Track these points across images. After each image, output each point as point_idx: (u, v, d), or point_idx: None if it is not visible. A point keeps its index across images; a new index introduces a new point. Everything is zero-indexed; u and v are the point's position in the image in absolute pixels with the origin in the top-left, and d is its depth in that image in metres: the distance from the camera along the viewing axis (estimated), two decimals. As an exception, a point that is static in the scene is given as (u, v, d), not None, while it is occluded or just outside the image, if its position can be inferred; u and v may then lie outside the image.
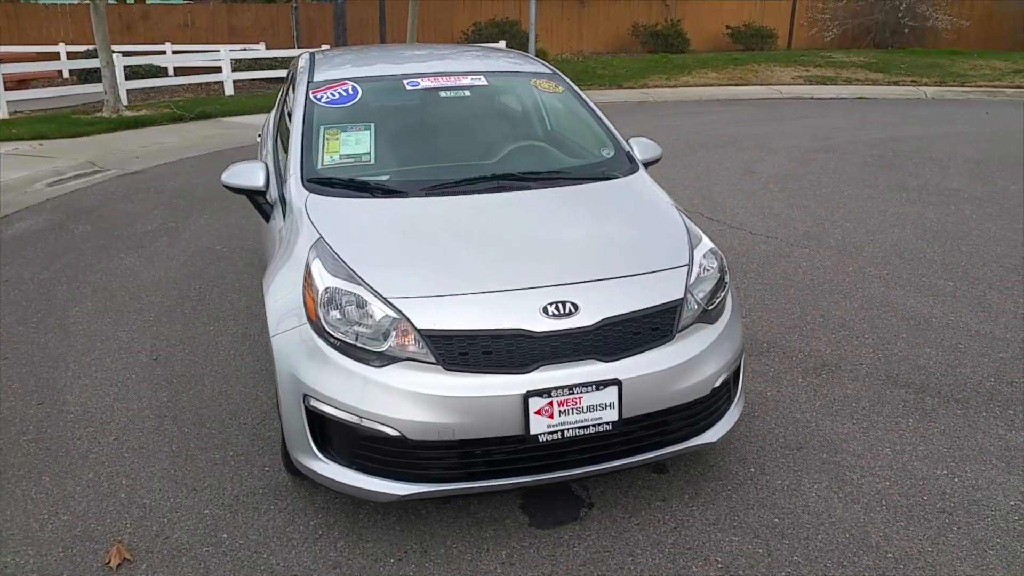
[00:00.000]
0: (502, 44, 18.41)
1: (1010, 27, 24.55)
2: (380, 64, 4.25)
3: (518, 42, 19.88)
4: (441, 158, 3.79)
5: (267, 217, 3.66)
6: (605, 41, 23.85)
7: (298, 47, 20.00)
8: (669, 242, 3.16)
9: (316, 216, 3.19)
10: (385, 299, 2.75)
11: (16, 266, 5.90)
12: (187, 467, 3.40)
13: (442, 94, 3.99)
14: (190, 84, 16.24)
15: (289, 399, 2.85)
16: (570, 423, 2.71)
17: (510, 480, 2.77)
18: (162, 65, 16.58)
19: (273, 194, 3.68)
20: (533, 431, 2.68)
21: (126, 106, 13.37)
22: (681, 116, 13.71)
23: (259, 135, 5.38)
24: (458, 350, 2.68)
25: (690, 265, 3.04)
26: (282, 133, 4.40)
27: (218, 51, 15.99)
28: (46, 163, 9.45)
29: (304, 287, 2.91)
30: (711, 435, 3.03)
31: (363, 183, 3.43)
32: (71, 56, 16.88)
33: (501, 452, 2.72)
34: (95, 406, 3.90)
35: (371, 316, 2.74)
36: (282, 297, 3.01)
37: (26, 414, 3.83)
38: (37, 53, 17.56)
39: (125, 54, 15.25)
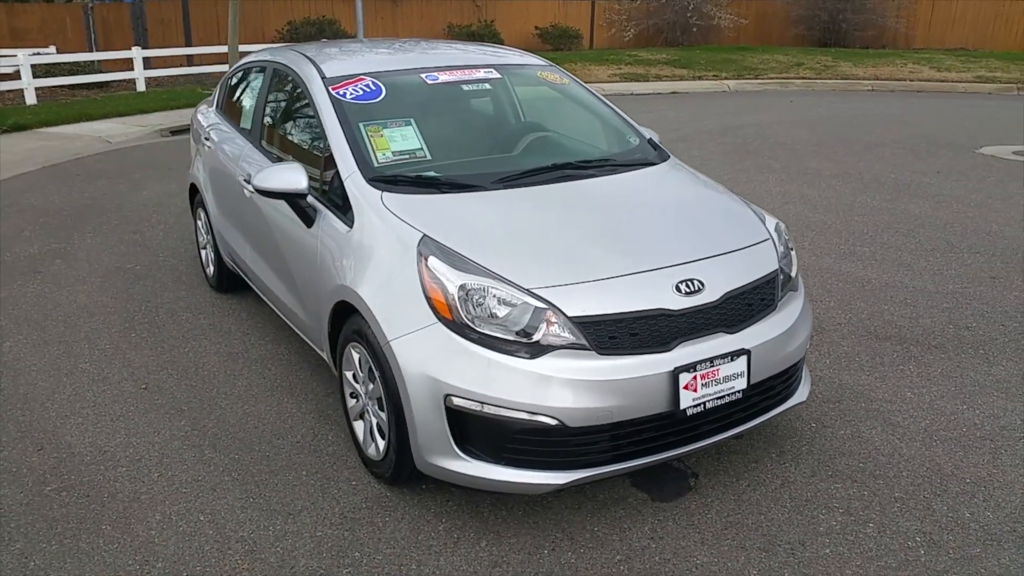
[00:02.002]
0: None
1: (780, 25, 27.19)
2: (382, 58, 4.11)
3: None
4: (488, 150, 3.75)
5: (310, 221, 3.45)
6: (419, 41, 23.85)
7: (95, 50, 18.38)
8: (745, 219, 3.35)
9: (405, 214, 3.08)
10: (527, 290, 2.73)
11: (-98, 303, 5.11)
12: (265, 492, 3.16)
13: (464, 87, 3.94)
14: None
15: (424, 401, 2.75)
16: (710, 394, 2.82)
17: (655, 457, 2.84)
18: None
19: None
20: (682, 405, 2.76)
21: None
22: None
23: (206, 139, 4.99)
24: (607, 334, 2.71)
25: (772, 238, 3.25)
26: (275, 133, 4.15)
27: (15, 55, 14.39)
28: None
29: (423, 286, 2.81)
30: (801, 394, 3.26)
31: (433, 179, 3.34)
32: None
33: (650, 430, 2.79)
34: (109, 444, 3.51)
35: (517, 308, 2.70)
36: (389, 299, 2.89)
37: (32, 463, 3.38)
38: None
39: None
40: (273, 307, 4.21)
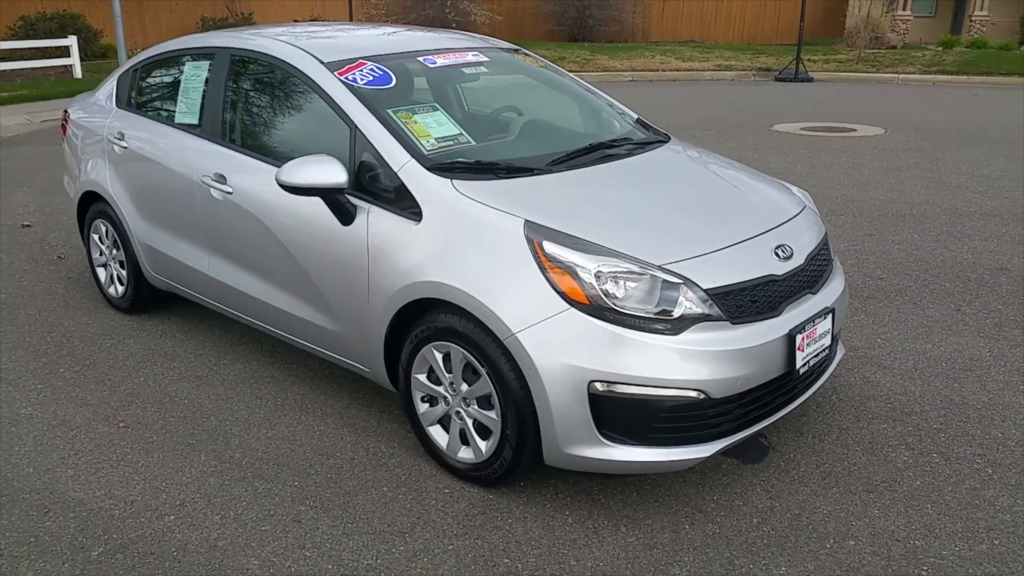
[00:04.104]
0: (72, 40, 16.12)
1: (531, 21, 28.38)
2: (365, 42, 3.82)
3: (85, 38, 17.53)
4: (518, 133, 3.62)
5: (350, 218, 3.16)
6: (172, 36, 21.93)
7: None
8: (781, 187, 3.54)
9: (489, 200, 2.92)
10: (659, 266, 2.71)
11: None
12: (359, 515, 2.88)
13: (465, 71, 3.78)
14: None
15: (563, 391, 2.65)
16: (811, 353, 2.98)
17: (771, 418, 2.95)
18: None
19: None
20: (797, 365, 2.90)
21: None
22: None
23: (117, 139, 4.35)
24: (735, 303, 2.77)
25: (806, 203, 3.47)
26: (250, 126, 3.73)
27: None
28: None
29: (544, 272, 2.70)
30: (842, 349, 3.52)
31: (492, 164, 3.19)
32: None
33: (769, 392, 2.89)
34: (131, 494, 3.01)
35: (653, 286, 2.68)
36: (500, 290, 2.75)
37: (52, 529, 2.83)
38: None
39: None
40: (257, 324, 3.78)
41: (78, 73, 16.06)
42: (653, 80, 19.15)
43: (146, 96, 4.36)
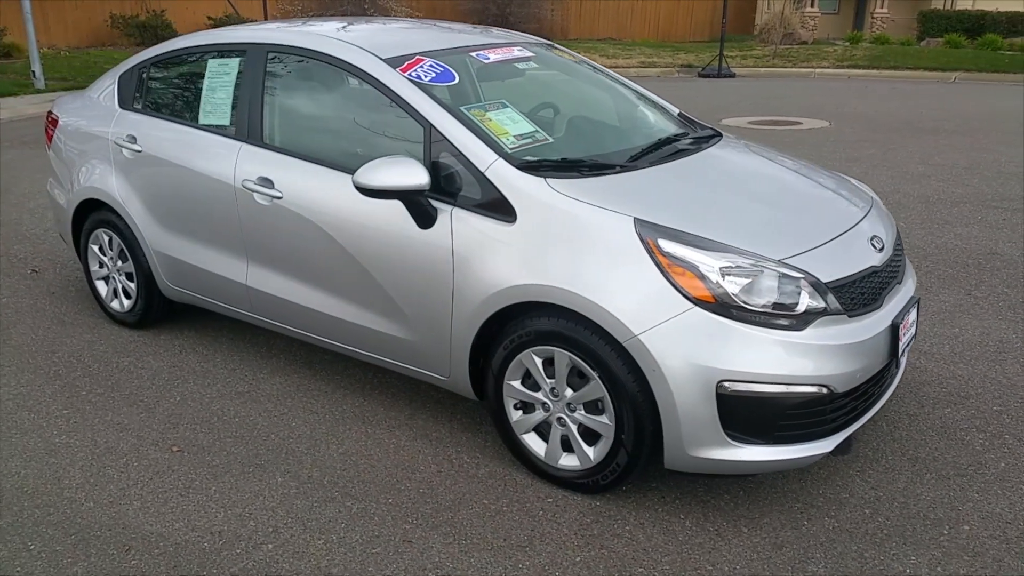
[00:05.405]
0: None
1: (452, 17, 28.20)
2: (412, 37, 3.66)
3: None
4: (588, 129, 3.53)
5: (431, 221, 3.01)
6: (79, 35, 20.89)
7: None
8: (846, 181, 3.57)
9: (589, 198, 2.83)
10: (779, 261, 2.68)
11: None
12: (470, 531, 2.76)
13: (517, 66, 3.67)
14: None
15: (689, 392, 2.59)
16: (905, 341, 3.02)
17: (874, 409, 2.96)
18: None
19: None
20: (899, 355, 2.92)
21: None
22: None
23: (127, 142, 4.05)
24: (848, 295, 2.77)
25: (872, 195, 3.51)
26: (300, 127, 3.53)
27: None
28: None
29: (663, 271, 2.64)
30: (907, 336, 3.58)
31: (577, 161, 3.09)
32: None
33: (873, 382, 2.91)
34: (214, 523, 2.80)
35: (776, 282, 2.64)
36: (616, 290, 2.66)
37: (141, 567, 2.60)
38: None
39: None
40: (304, 335, 3.57)
41: (-21, 72, 15.05)
42: (580, 77, 19.26)
43: (159, 96, 4.07)
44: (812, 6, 24.90)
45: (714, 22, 26.88)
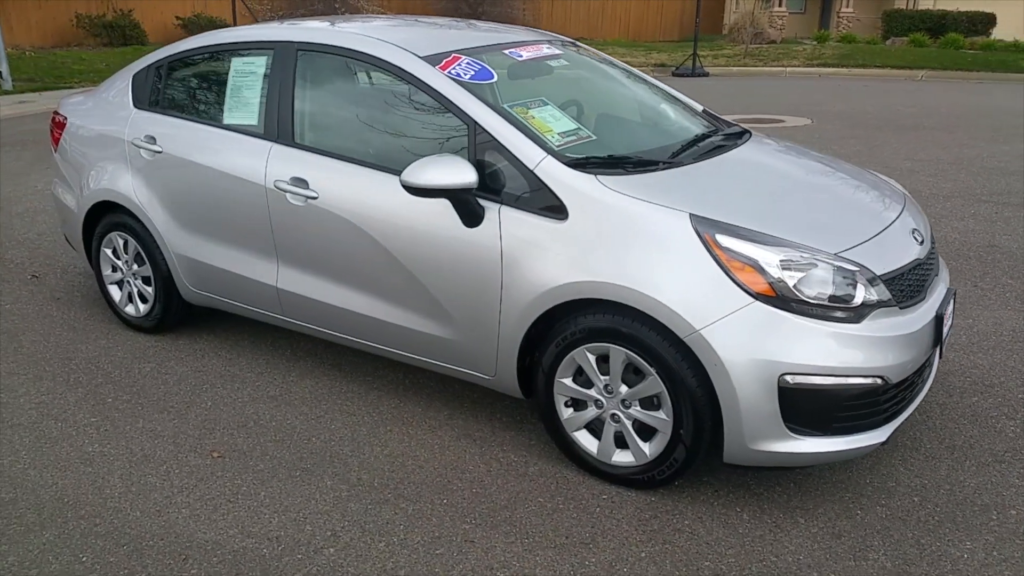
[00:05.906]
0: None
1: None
2: (443, 34, 3.64)
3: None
4: (623, 127, 3.54)
5: (478, 220, 3.00)
6: (44, 35, 20.44)
7: None
8: (878, 177, 3.62)
9: (641, 194, 2.84)
10: (835, 255, 2.72)
11: None
12: (532, 531, 2.75)
13: (549, 63, 3.67)
14: None
15: (751, 386, 2.61)
16: (946, 332, 3.07)
17: (919, 398, 3.01)
18: None
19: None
20: (942, 345, 2.97)
21: None
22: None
23: (145, 143, 3.97)
24: (899, 287, 2.82)
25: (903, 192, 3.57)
26: (337, 127, 3.49)
27: None
28: None
29: (722, 265, 2.65)
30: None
31: (622, 158, 3.10)
32: None
33: (919, 372, 2.95)
34: (268, 529, 2.77)
35: (833, 275, 2.67)
36: (675, 286, 2.68)
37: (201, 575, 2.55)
38: None
39: None
40: (339, 336, 3.54)
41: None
42: (554, 76, 19.28)
43: (179, 96, 3.99)
44: (780, 5, 25.23)
45: (683, 22, 27.14)
